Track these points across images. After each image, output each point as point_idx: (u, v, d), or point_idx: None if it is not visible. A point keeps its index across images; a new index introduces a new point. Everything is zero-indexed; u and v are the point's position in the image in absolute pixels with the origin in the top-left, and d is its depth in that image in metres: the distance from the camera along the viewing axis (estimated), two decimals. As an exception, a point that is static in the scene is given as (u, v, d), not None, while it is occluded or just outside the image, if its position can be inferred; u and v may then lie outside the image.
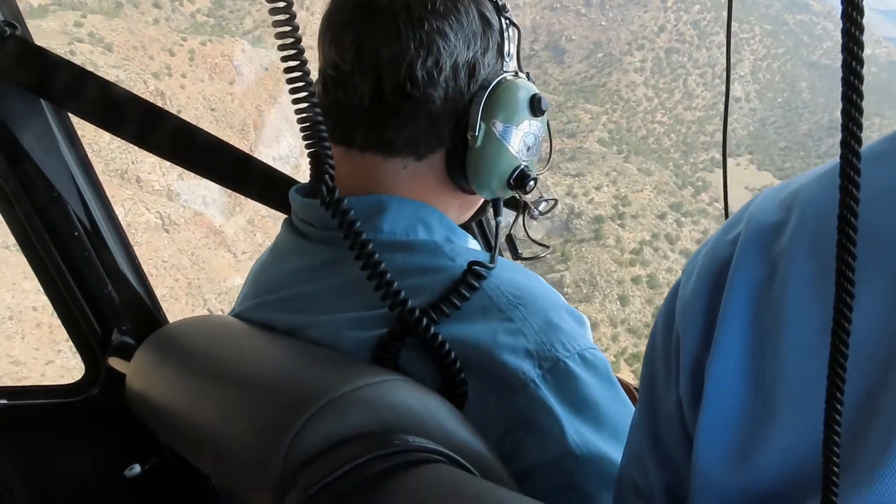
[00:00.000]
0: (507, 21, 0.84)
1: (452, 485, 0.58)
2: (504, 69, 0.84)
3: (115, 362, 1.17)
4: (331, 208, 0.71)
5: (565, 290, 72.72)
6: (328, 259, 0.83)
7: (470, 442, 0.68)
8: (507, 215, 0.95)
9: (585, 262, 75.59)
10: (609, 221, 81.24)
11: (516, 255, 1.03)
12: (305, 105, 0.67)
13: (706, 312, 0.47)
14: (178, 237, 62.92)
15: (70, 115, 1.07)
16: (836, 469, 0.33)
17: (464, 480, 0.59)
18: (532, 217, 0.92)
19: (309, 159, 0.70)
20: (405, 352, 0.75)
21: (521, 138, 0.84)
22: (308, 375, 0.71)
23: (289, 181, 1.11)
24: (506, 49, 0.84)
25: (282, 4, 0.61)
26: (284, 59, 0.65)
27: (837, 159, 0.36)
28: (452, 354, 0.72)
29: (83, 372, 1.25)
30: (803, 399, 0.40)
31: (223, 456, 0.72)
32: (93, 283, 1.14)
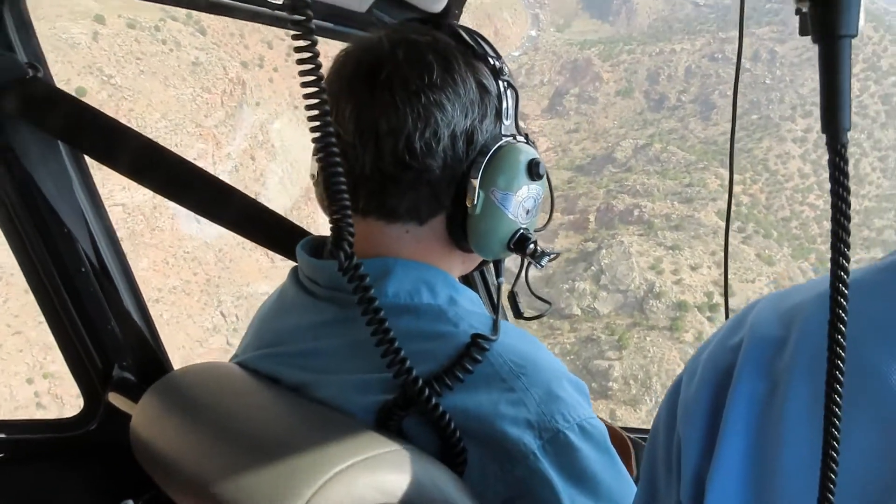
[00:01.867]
0: (506, 84, 0.85)
1: None
2: (503, 132, 0.85)
3: (115, 398, 1.18)
4: (348, 273, 0.72)
5: (610, 383, 59.82)
6: (334, 318, 0.85)
7: None
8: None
9: (645, 356, 61.99)
10: (695, 311, 66.60)
11: (518, 315, 1.06)
12: (332, 171, 0.67)
13: (707, 419, 0.48)
14: (210, 230, 59.49)
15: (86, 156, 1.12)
16: None
17: None
18: (537, 268, 0.94)
19: (330, 225, 0.71)
20: (408, 417, 0.77)
21: (519, 203, 0.85)
22: (316, 441, 0.71)
23: (295, 229, 1.17)
24: (503, 113, 0.85)
25: (311, 78, 0.62)
26: (313, 129, 0.65)
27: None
28: (453, 425, 0.74)
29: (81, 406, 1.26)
30: None
31: None
32: (96, 318, 1.15)
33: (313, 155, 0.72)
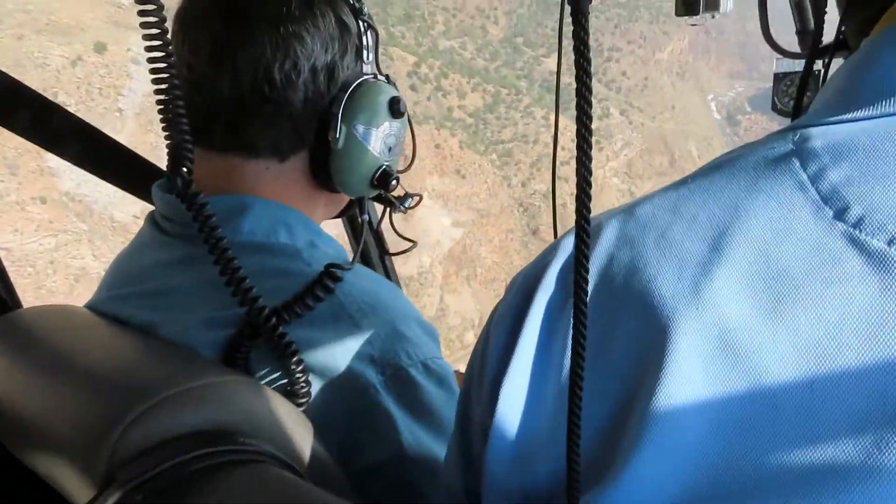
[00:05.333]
0: (366, 24, 0.84)
1: (275, 486, 0.58)
2: (363, 72, 0.85)
3: None
4: (185, 201, 0.69)
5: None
6: (185, 256, 0.81)
7: (307, 445, 0.69)
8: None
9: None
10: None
11: (384, 251, 1.06)
12: (166, 97, 0.64)
13: (512, 325, 0.49)
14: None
15: None
16: (576, 468, 0.38)
17: (288, 482, 0.59)
18: (399, 211, 0.95)
19: (167, 152, 0.68)
20: (254, 353, 0.75)
21: (382, 139, 0.85)
22: (148, 370, 0.70)
23: (151, 168, 1.10)
24: (364, 51, 0.84)
25: None
26: (149, 48, 0.61)
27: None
28: (297, 355, 0.73)
29: None
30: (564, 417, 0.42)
31: (50, 448, 0.69)
32: None
33: (151, 75, 0.65)
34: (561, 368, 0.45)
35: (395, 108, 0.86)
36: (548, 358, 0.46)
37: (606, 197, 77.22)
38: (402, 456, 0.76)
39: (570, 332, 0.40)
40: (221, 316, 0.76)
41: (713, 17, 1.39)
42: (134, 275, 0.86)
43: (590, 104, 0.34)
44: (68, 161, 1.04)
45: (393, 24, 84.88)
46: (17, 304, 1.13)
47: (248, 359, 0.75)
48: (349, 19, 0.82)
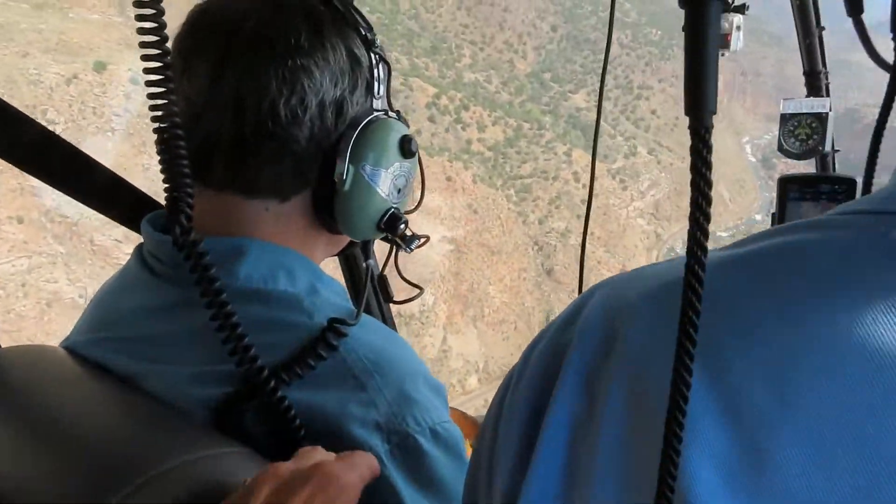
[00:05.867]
0: (378, 56, 0.81)
1: None
2: (374, 108, 0.81)
3: None
4: (184, 250, 0.65)
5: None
6: (175, 301, 0.76)
7: None
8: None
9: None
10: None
11: (388, 299, 1.02)
12: (167, 135, 0.61)
13: (525, 431, 0.44)
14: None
15: None
16: None
17: None
18: (406, 251, 0.90)
19: (164, 195, 0.64)
20: (249, 413, 0.70)
21: (391, 180, 0.81)
22: (135, 440, 0.65)
23: (138, 194, 1.01)
24: (375, 86, 0.81)
25: (150, 11, 0.55)
26: (149, 83, 0.58)
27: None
28: (298, 421, 0.69)
29: None
30: None
31: None
32: None
33: (150, 112, 0.61)
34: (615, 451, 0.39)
35: (407, 148, 0.81)
36: (575, 482, 0.41)
37: (630, 238, 73.90)
38: None
39: (600, 463, 0.37)
40: (213, 371, 0.71)
41: (723, 55, 1.34)
42: (117, 317, 0.81)
43: (707, 217, 0.31)
44: (42, 180, 0.97)
45: (417, 55, 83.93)
46: None
47: (243, 421, 0.70)
48: (360, 51, 0.78)
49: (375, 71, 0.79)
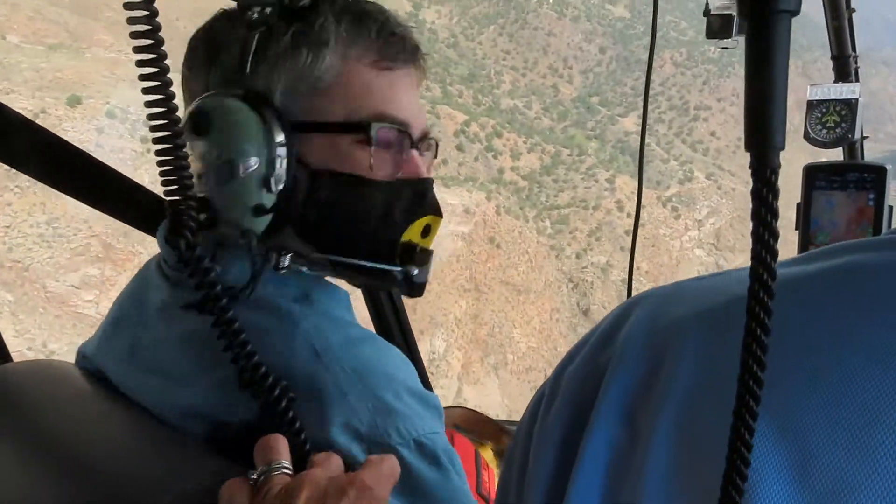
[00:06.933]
0: None
1: None
2: None
3: None
4: (189, 266, 0.64)
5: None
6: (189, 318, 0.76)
7: None
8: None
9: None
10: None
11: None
12: (168, 146, 0.60)
13: (558, 458, 0.41)
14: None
15: None
16: None
17: None
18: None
19: (167, 208, 0.64)
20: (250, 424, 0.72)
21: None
22: (144, 465, 0.66)
23: (154, 198, 1.05)
24: None
25: (142, 15, 0.53)
26: (147, 90, 0.58)
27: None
28: (303, 434, 0.68)
29: None
30: None
31: None
32: None
33: (149, 121, 0.61)
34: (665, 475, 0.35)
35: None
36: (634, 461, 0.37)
37: (685, 271, 66.21)
38: None
39: (647, 494, 0.34)
40: (220, 396, 0.72)
41: None
42: (135, 323, 0.82)
43: (772, 274, 0.27)
44: (56, 188, 1.02)
45: (451, 83, 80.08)
46: (8, 356, 1.11)
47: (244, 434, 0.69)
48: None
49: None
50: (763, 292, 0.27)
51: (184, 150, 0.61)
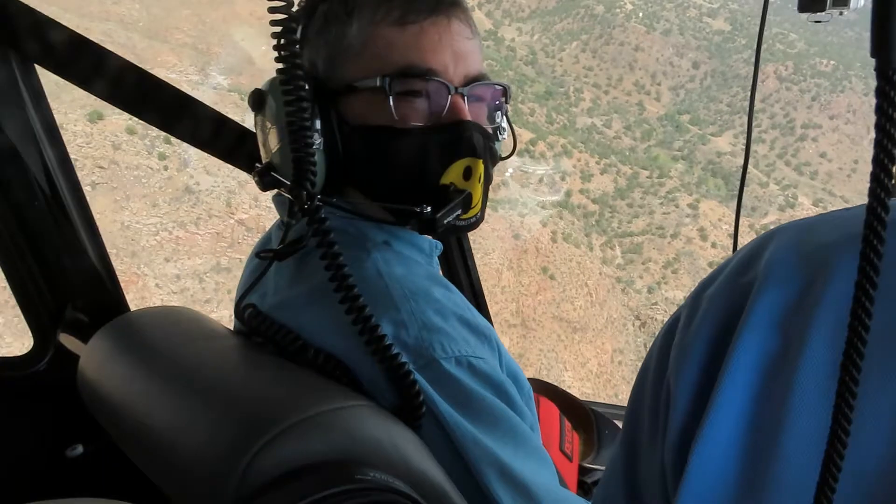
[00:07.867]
0: None
1: None
2: None
3: (66, 339, 1.13)
4: (306, 215, 0.72)
5: None
6: (303, 256, 0.86)
7: (428, 473, 0.69)
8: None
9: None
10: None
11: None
12: (293, 108, 0.69)
13: (704, 366, 0.42)
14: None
15: (38, 73, 1.04)
16: None
17: None
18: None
19: (293, 163, 0.72)
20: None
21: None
22: (272, 393, 0.70)
23: (240, 130, 1.16)
24: None
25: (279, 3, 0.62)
26: (279, 58, 0.66)
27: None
28: (411, 376, 0.73)
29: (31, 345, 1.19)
30: None
31: (175, 465, 0.70)
32: (49, 254, 1.10)
33: (281, 87, 0.69)
34: (783, 449, 0.37)
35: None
36: (763, 431, 0.39)
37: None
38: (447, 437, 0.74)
39: (794, 400, 0.36)
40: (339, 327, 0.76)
41: (841, 13, 1.25)
42: (261, 264, 0.88)
43: (890, 175, 0.28)
44: (149, 122, 1.10)
45: (523, 100, 75.33)
46: (126, 307, 1.18)
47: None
48: None
49: None
50: (884, 175, 0.28)
51: (307, 113, 0.69)
